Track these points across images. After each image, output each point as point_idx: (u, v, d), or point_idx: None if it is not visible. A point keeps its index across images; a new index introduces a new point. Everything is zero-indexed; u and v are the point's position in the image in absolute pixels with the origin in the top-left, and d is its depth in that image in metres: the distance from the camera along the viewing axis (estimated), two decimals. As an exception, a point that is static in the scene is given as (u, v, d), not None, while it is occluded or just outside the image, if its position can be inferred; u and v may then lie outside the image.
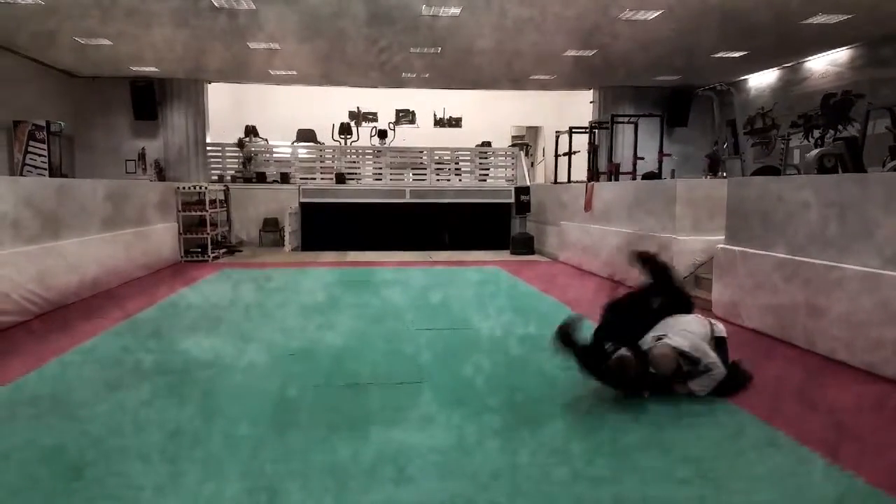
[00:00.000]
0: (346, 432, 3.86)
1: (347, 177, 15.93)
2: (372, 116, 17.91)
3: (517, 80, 15.95)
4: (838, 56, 12.70)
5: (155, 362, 5.32)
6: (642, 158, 13.59)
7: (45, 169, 13.15)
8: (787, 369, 5.32)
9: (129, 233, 10.08)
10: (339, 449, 3.63)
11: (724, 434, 3.97)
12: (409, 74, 15.14)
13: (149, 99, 15.45)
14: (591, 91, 17.04)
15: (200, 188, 12.96)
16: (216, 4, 9.62)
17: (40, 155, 13.19)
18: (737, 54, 13.12)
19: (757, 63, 14.07)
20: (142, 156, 15.77)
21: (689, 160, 16.00)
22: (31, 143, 13.13)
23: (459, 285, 9.90)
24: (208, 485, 3.21)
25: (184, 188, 12.79)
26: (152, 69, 14.52)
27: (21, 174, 12.78)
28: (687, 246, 8.39)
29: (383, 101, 17.80)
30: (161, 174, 15.60)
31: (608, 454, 3.67)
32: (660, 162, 13.76)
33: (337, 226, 14.91)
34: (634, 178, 13.24)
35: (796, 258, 6.09)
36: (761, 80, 15.09)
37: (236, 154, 15.95)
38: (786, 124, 14.05)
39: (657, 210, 9.08)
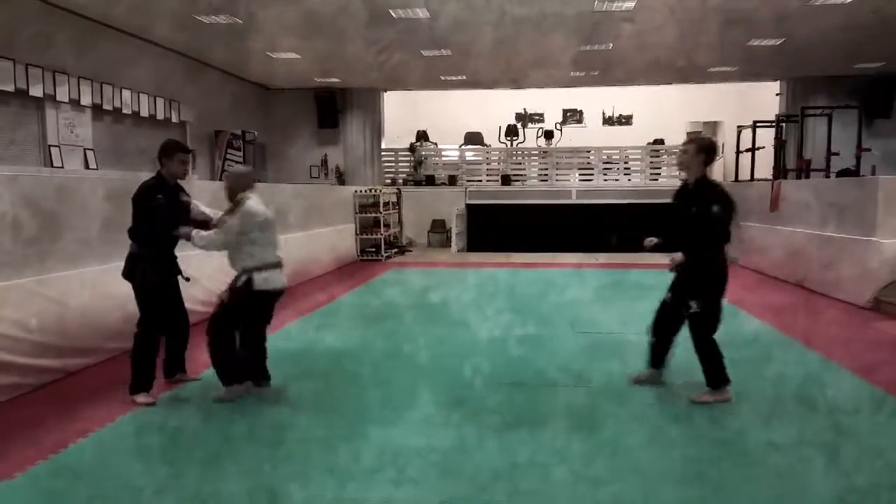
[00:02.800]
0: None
1: (513, 178, 16.04)
2: (538, 117, 17.89)
3: (695, 74, 15.16)
4: None
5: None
6: (837, 154, 12.36)
7: (241, 174, 14.48)
8: None
9: (321, 232, 11.01)
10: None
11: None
12: (577, 73, 14.94)
13: (331, 108, 16.56)
14: (778, 82, 15.78)
15: (375, 191, 13.69)
16: (394, 15, 10.12)
17: (237, 161, 14.57)
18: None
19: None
20: (324, 162, 16.95)
21: (893, 155, 14.29)
22: (229, 150, 14.55)
23: (630, 289, 9.61)
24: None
25: (360, 191, 13.58)
26: (334, 80, 15.56)
27: (220, 179, 14.17)
28: (889, 251, 7.53)
29: (550, 102, 17.71)
30: (341, 179, 16.67)
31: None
32: (858, 158, 12.44)
33: (502, 227, 15.04)
34: (828, 176, 12.12)
35: None
36: None
37: (408, 158, 16.68)
38: None
39: (854, 211, 8.23)
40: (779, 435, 3.84)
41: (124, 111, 10.83)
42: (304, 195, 10.84)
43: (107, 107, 10.39)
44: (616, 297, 8.79)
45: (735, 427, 3.99)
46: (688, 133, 18.15)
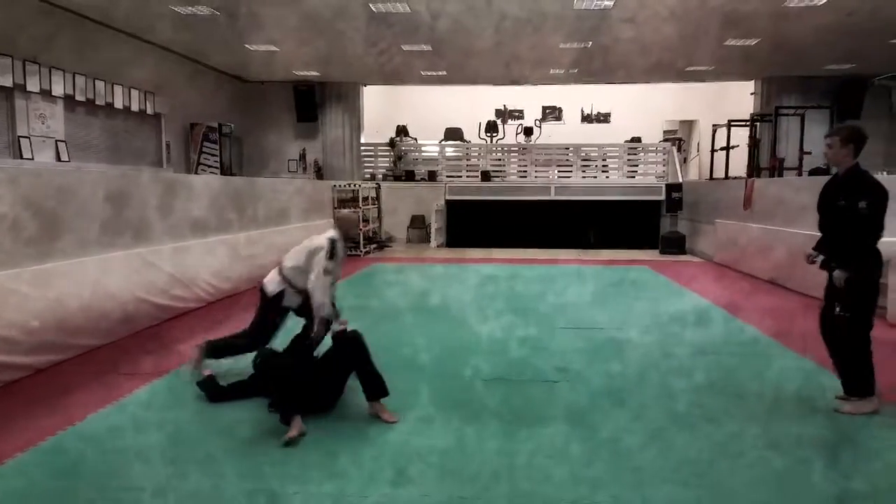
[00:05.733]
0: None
1: (493, 174, 16.09)
2: (518, 114, 17.98)
3: (671, 73, 15.31)
4: None
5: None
6: (809, 153, 12.59)
7: (217, 168, 14.35)
8: None
9: (298, 226, 10.93)
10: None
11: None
12: (557, 70, 15.01)
13: (310, 102, 16.45)
14: (753, 82, 16.00)
15: (354, 186, 13.64)
16: (374, 10, 10.08)
17: (213, 155, 14.41)
18: (923, 39, 11.79)
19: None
20: (302, 156, 16.85)
21: (864, 154, 14.55)
22: (205, 143, 14.36)
23: (603, 285, 9.71)
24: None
25: (339, 186, 13.52)
26: (314, 73, 15.46)
27: (196, 172, 14.01)
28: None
29: (530, 99, 17.80)
30: (319, 173, 16.58)
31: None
32: (829, 157, 12.64)
33: (481, 223, 15.11)
34: (800, 175, 12.32)
35: None
36: (951, 66, 13.44)
37: (388, 153, 16.64)
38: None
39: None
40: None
41: (98, 102, 10.65)
42: (281, 190, 10.73)
43: (80, 98, 10.23)
44: (597, 293, 8.82)
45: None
46: (664, 131, 18.41)
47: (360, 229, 13.22)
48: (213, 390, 4.37)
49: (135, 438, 3.76)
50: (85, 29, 10.43)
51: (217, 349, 4.78)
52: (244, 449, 3.65)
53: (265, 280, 4.73)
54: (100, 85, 10.64)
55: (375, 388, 4.05)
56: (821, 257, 4.29)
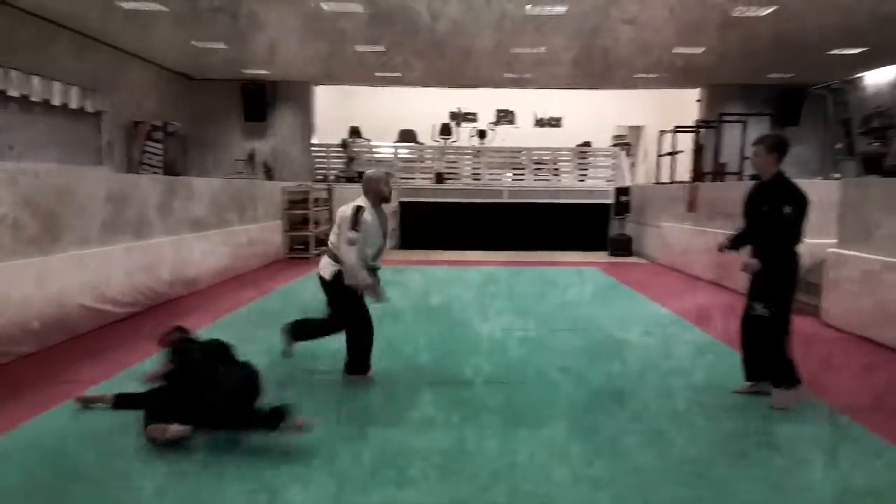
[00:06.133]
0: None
1: (446, 177, 16.10)
2: (472, 117, 18.04)
3: (621, 79, 15.60)
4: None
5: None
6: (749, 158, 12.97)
7: (161, 167, 13.95)
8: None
9: (250, 228, 10.78)
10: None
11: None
12: (510, 74, 15.12)
13: (259, 101, 16.18)
14: (698, 89, 16.43)
15: (305, 187, 13.47)
16: (325, 8, 9.98)
17: (156, 154, 14.00)
18: (855, 51, 12.30)
19: (876, 60, 13.16)
20: (251, 156, 16.54)
21: (801, 160, 15.12)
22: (148, 142, 13.94)
23: (554, 286, 9.81)
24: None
25: (290, 187, 13.32)
26: (263, 72, 15.22)
27: (137, 172, 13.57)
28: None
29: (484, 102, 17.88)
30: (269, 174, 16.31)
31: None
32: (770, 163, 13.06)
33: (435, 225, 15.11)
34: (741, 179, 12.69)
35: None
36: (880, 78, 14.05)
37: (340, 154, 16.47)
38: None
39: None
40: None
41: (33, 98, 10.25)
42: (227, 190, 10.43)
43: (13, 93, 9.81)
44: (548, 295, 8.90)
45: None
46: (614, 136, 18.75)
47: (311, 231, 13.08)
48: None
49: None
50: (20, 21, 10.00)
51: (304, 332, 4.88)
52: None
53: (320, 266, 4.66)
54: (35, 80, 10.22)
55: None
56: (734, 252, 4.60)
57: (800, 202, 4.15)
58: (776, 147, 4.34)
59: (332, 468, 3.42)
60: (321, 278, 4.64)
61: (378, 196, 4.64)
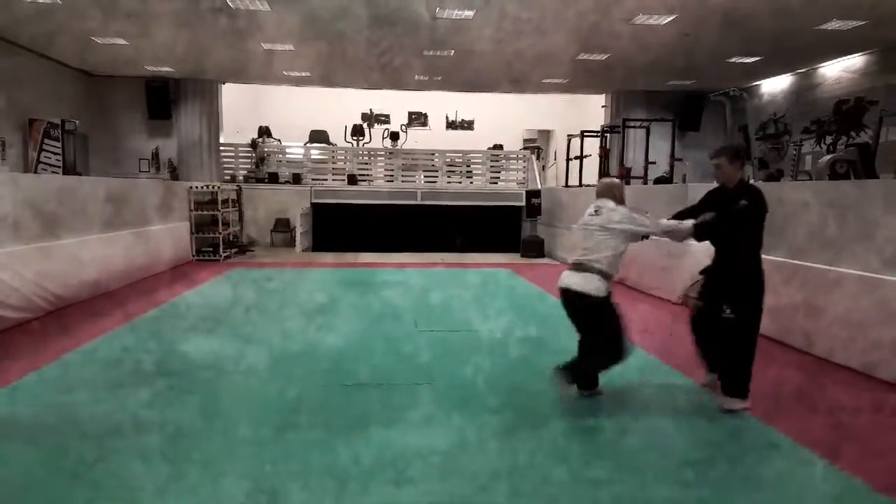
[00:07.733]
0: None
1: (359, 178, 16.00)
2: (384, 118, 18.00)
3: (530, 84, 15.95)
4: (852, 62, 12.62)
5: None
6: (653, 163, 13.57)
7: (59, 167, 13.22)
8: (785, 371, 5.32)
9: (151, 230, 10.34)
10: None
11: (723, 435, 3.98)
12: (421, 77, 15.18)
13: (163, 98, 15.58)
14: (604, 95, 17.01)
15: (213, 188, 13.06)
16: (231, 6, 9.71)
17: (55, 153, 13.26)
18: (750, 60, 13.06)
19: (771, 68, 13.99)
20: (155, 155, 15.90)
21: (702, 165, 15.93)
22: (46, 141, 13.19)
23: (468, 287, 9.93)
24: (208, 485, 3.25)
25: (196, 188, 12.88)
26: (167, 69, 14.65)
27: (35, 172, 12.87)
28: (697, 250, 8.37)
29: (396, 104, 17.87)
30: (174, 173, 15.72)
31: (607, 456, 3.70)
32: (671, 166, 13.72)
33: (348, 227, 14.99)
34: (646, 183, 13.22)
35: (794, 261, 6.22)
36: (775, 86, 15.00)
37: (249, 154, 16.08)
38: (798, 130, 13.97)
39: (667, 214, 9.05)
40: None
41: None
42: (127, 190, 9.97)
43: None
44: (459, 295, 9.01)
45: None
46: (524, 140, 19.17)
47: (219, 234, 12.70)
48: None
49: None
50: None
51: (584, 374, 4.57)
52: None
53: (572, 286, 4.47)
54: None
55: None
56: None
57: (758, 202, 4.28)
58: (738, 155, 4.53)
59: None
60: (579, 294, 4.40)
61: (623, 199, 4.84)
